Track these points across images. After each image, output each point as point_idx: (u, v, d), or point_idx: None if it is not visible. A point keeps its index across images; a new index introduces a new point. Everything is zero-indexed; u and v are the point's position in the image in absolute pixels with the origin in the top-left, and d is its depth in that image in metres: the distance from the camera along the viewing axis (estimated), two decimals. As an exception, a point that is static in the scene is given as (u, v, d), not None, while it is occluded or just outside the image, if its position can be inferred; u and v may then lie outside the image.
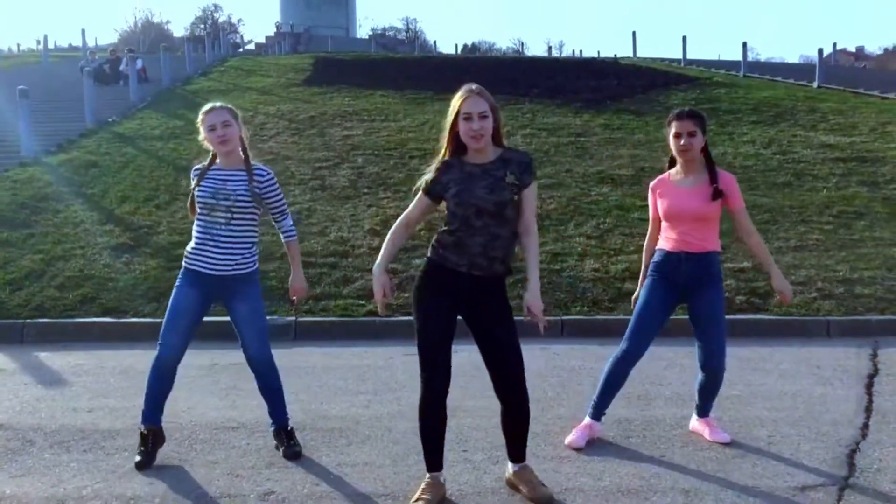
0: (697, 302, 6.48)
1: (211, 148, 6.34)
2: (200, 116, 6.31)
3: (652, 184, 6.67)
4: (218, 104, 6.35)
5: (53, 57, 46.18)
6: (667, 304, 6.56)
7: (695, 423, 6.91)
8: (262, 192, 6.34)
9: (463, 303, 5.44)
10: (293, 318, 10.66)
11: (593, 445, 6.61)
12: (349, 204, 15.24)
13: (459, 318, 5.51)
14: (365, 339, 10.30)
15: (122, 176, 17.06)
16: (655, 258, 6.58)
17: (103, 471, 6.13)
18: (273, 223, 6.67)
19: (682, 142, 6.34)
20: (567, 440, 6.60)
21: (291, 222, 6.68)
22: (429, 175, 5.46)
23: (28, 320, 10.73)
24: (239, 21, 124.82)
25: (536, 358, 8.44)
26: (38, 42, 52.14)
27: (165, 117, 22.32)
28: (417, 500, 5.44)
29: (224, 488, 5.81)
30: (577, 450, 6.49)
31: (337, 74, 29.62)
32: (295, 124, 21.66)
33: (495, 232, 5.32)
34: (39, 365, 9.28)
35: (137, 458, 6.23)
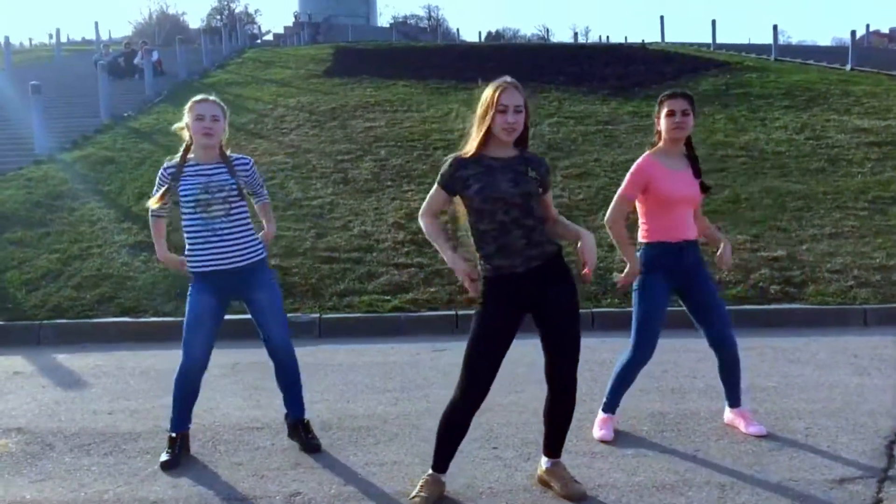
0: (694, 289, 6.44)
1: (186, 138, 6.29)
2: (189, 104, 6.25)
3: (641, 163, 6.38)
4: (210, 97, 6.31)
5: (66, 51, 46.16)
6: (667, 301, 6.47)
7: (729, 414, 6.79)
8: (249, 182, 6.41)
9: (531, 301, 5.33)
10: (317, 315, 10.56)
11: (627, 439, 6.54)
12: (372, 197, 15.12)
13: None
14: (391, 335, 10.19)
15: (138, 172, 16.98)
16: (652, 252, 6.42)
17: (125, 474, 6.05)
18: (253, 200, 6.71)
19: (676, 119, 6.23)
20: (597, 436, 6.53)
21: (266, 191, 6.84)
22: (444, 168, 5.35)
23: (45, 321, 10.64)
24: (256, 11, 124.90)
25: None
26: (51, 36, 52.48)
27: (182, 111, 21.66)
28: (415, 496, 5.39)
29: (249, 490, 5.73)
30: (607, 443, 6.43)
31: (358, 64, 29.55)
32: (316, 116, 21.58)
33: (528, 224, 5.21)
34: (57, 367, 9.20)
35: (165, 458, 6.19)
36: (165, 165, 6.31)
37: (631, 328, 6.45)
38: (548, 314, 5.35)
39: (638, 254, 6.46)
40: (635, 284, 6.45)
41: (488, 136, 5.24)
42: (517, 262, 5.20)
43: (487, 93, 5.23)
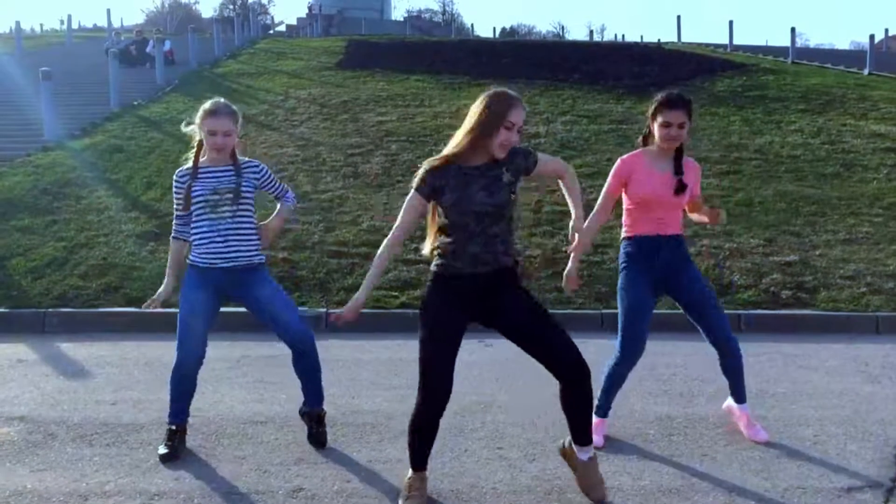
0: (682, 287, 6.39)
1: (197, 138, 6.31)
2: (202, 115, 6.21)
3: (625, 159, 6.40)
4: (222, 104, 6.28)
5: (77, 37, 46.04)
6: (651, 297, 6.42)
7: (731, 403, 6.77)
8: (263, 186, 6.40)
9: (478, 306, 5.29)
10: (324, 309, 10.54)
11: (633, 443, 6.52)
12: (382, 192, 15.11)
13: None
14: (398, 331, 10.12)
15: (147, 161, 17.00)
16: (630, 247, 6.41)
17: (127, 465, 6.04)
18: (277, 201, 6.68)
19: (672, 132, 6.21)
20: None
21: (293, 194, 6.77)
22: (420, 174, 5.26)
23: (50, 309, 10.64)
24: (269, 2, 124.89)
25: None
26: (62, 22, 52.56)
27: (193, 101, 21.97)
28: (408, 498, 5.35)
29: (252, 484, 5.72)
30: (600, 448, 6.30)
31: (370, 58, 29.52)
32: (327, 109, 21.59)
33: (493, 231, 5.18)
34: (61, 356, 9.21)
35: (164, 451, 6.18)
36: (180, 171, 6.30)
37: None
38: (508, 316, 5.30)
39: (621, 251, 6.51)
40: (619, 283, 6.44)
41: (476, 146, 5.16)
42: (466, 264, 5.18)
43: (492, 104, 5.12)
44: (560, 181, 5.53)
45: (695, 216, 6.75)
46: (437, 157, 5.25)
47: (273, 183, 6.47)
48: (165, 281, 6.44)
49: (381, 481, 5.76)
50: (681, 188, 6.24)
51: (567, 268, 6.56)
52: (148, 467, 5.99)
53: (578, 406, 5.37)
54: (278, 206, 6.65)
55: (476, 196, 5.09)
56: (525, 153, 5.33)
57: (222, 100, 6.34)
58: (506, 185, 5.17)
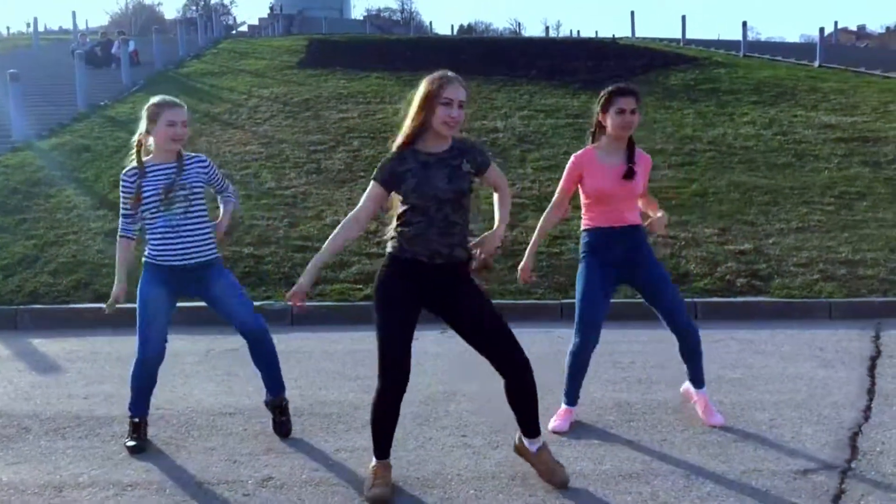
0: (639, 274, 6.52)
1: (146, 141, 6.34)
2: (153, 108, 6.27)
3: (578, 156, 6.51)
4: (177, 100, 6.35)
5: (44, 40, 45.64)
6: (607, 286, 6.53)
7: (688, 386, 6.89)
8: (210, 180, 6.47)
9: (429, 294, 5.39)
10: (289, 302, 10.56)
11: (594, 429, 6.62)
12: (345, 188, 15.17)
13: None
14: (362, 323, 9.98)
15: (114, 160, 16.86)
16: (588, 238, 6.53)
17: (100, 457, 6.12)
18: (218, 197, 6.74)
19: (626, 118, 6.28)
20: (550, 426, 6.52)
21: (234, 188, 6.86)
22: (381, 164, 5.38)
23: (21, 306, 10.71)
24: (231, 2, 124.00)
25: (538, 342, 8.36)
26: (28, 25, 51.94)
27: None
28: (373, 486, 5.41)
29: (222, 474, 5.80)
30: (561, 433, 6.48)
31: (331, 56, 29.44)
32: (289, 107, 21.59)
33: (452, 219, 5.28)
34: (33, 351, 9.27)
35: (133, 443, 6.27)
36: (127, 171, 6.29)
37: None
38: (456, 307, 5.43)
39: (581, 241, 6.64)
40: (578, 272, 6.59)
41: (424, 129, 5.26)
42: (424, 252, 5.27)
43: (426, 85, 5.22)
44: (495, 192, 5.62)
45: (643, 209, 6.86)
46: (395, 145, 5.38)
47: (217, 178, 6.55)
48: (117, 279, 6.43)
49: (347, 470, 5.84)
50: (629, 174, 6.33)
51: (522, 262, 6.75)
52: (120, 459, 6.08)
53: (522, 399, 5.51)
54: (222, 206, 6.74)
55: (436, 182, 5.19)
56: (481, 152, 5.48)
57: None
58: (465, 173, 5.28)
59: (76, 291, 11.04)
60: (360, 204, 5.44)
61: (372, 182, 5.38)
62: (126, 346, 8.98)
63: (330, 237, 5.51)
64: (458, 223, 5.33)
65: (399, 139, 5.36)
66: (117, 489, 5.57)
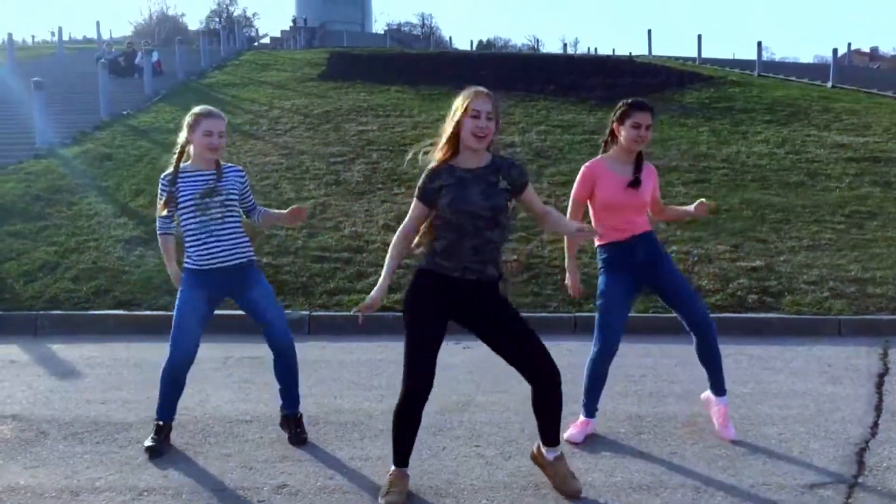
0: (659, 278, 6.58)
1: (189, 147, 6.45)
2: (193, 117, 6.38)
3: (589, 165, 6.58)
4: (216, 110, 6.46)
5: (69, 49, 46.00)
6: (628, 295, 6.61)
7: (710, 395, 6.92)
8: (243, 190, 6.58)
9: (458, 308, 5.46)
10: (307, 312, 10.68)
11: (605, 441, 6.66)
12: (363, 199, 15.23)
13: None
14: (378, 333, 10.18)
15: (136, 169, 17.09)
16: (606, 254, 6.57)
17: (117, 462, 6.18)
18: (247, 216, 6.78)
19: (641, 132, 6.36)
20: (565, 435, 6.54)
21: (264, 209, 6.89)
22: (420, 181, 5.45)
23: (41, 312, 10.76)
24: (254, 15, 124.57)
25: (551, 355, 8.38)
26: (53, 34, 52.19)
27: (180, 110, 21.56)
28: (388, 493, 5.46)
29: (238, 481, 5.86)
30: (575, 444, 6.54)
31: (352, 69, 29.55)
32: (310, 119, 21.66)
33: (487, 236, 5.34)
34: (53, 356, 9.31)
35: (151, 443, 6.34)
36: (163, 174, 6.43)
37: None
38: (485, 322, 5.50)
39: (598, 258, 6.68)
40: (598, 285, 6.62)
41: (457, 143, 5.35)
42: (456, 267, 5.34)
43: (458, 101, 5.33)
44: (545, 217, 5.66)
45: (671, 215, 7.02)
46: (434, 162, 5.45)
47: (249, 191, 6.66)
48: (169, 271, 6.63)
49: (361, 478, 5.90)
50: (635, 183, 6.40)
51: (569, 279, 6.84)
52: (137, 464, 6.13)
53: (548, 409, 5.59)
54: (264, 209, 6.81)
55: (472, 197, 5.26)
56: (520, 170, 5.51)
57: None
58: (501, 190, 5.34)
59: (96, 298, 11.10)
60: (405, 221, 5.54)
61: (414, 199, 5.48)
62: (144, 353, 9.13)
63: (387, 257, 5.58)
64: (493, 240, 5.37)
65: (437, 154, 5.45)
66: (133, 494, 5.63)
